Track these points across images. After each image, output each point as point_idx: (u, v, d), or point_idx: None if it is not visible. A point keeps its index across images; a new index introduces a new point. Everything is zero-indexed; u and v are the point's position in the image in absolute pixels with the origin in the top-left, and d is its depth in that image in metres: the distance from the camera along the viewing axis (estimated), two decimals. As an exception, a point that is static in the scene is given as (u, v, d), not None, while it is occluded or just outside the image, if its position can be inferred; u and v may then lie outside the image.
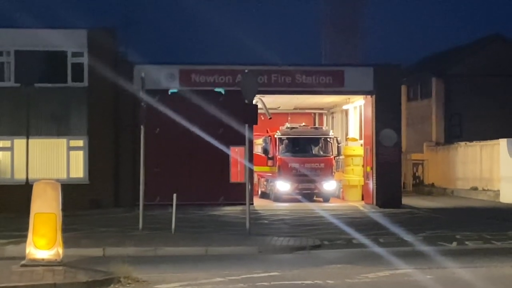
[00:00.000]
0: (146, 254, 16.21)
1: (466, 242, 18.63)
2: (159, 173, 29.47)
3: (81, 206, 27.40)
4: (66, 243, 13.46)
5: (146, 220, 20.49)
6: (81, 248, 16.40)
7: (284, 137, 34.10)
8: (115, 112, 30.23)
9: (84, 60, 29.93)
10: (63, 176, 29.11)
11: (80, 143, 30.02)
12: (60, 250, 12.56)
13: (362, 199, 33.57)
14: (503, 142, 35.43)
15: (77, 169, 29.94)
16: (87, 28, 30.53)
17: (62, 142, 30.01)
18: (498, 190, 35.42)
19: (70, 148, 30.00)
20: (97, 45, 29.64)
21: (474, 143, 39.13)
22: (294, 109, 41.11)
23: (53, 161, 29.92)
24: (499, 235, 20.00)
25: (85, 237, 19.03)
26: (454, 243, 18.44)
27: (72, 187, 26.41)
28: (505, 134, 36.76)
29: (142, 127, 20.79)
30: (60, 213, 12.50)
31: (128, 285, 11.82)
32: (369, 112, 32.50)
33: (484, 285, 11.99)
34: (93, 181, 29.60)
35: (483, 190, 37.22)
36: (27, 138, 28.57)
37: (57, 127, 29.93)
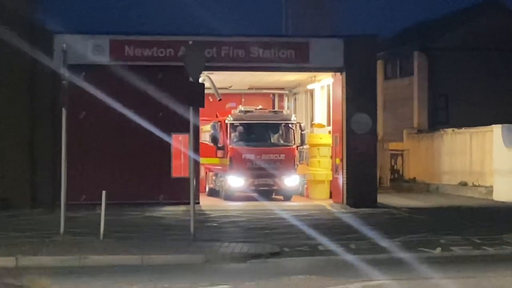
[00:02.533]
0: (68, 264, 16.13)
1: (452, 248, 18.86)
2: (85, 166, 29.31)
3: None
4: (-30, 251, 13.34)
5: (69, 223, 20.41)
6: (-13, 257, 16.26)
7: (236, 122, 34.12)
8: (30, 91, 29.96)
9: (-8, 27, 29.64)
10: (-34, 170, 28.89)
11: (-13, 130, 29.78)
12: (-38, 260, 12.44)
13: (330, 197, 33.78)
14: (497, 128, 35.87)
15: (-17, 161, 29.69)
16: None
17: (-37, 128, 29.76)
18: (491, 186, 35.92)
19: (-26, 136, 29.74)
20: (8, 9, 29.33)
21: (463, 130, 39.60)
22: (249, 89, 41.17)
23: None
24: (492, 239, 20.29)
25: (-6, 244, 18.86)
26: (438, 249, 18.66)
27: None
28: (499, 119, 37.21)
29: (63, 110, 20.65)
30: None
31: (45, 302, 11.77)
32: (339, 92, 32.68)
33: (473, 298, 12.18)
34: (3, 176, 29.33)
35: (474, 186, 37.70)
36: None
37: (-43, 109, 29.67)
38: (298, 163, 34.67)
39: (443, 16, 53.16)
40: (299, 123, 35.18)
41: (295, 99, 42.33)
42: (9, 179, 29.24)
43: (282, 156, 33.74)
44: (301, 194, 35.07)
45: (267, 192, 33.68)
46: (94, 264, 16.23)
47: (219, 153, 34.11)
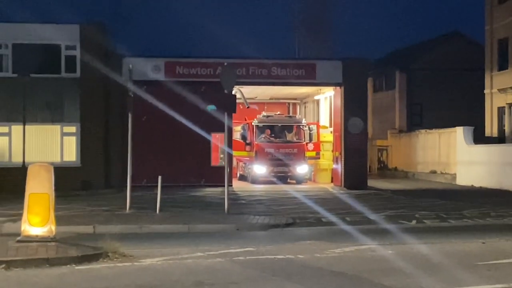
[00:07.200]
0: (132, 231, 16.14)
1: (425, 221, 18.77)
2: (146, 157, 29.41)
3: (74, 187, 27.28)
4: (59, 221, 13.42)
5: (133, 200, 20.42)
6: (72, 225, 16.31)
7: (261, 124, 34.12)
8: (105, 101, 30.09)
9: (77, 53, 29.72)
10: (57, 159, 28.94)
11: (73, 129, 29.86)
12: (53, 227, 12.52)
13: (332, 181, 33.72)
14: (459, 130, 35.72)
15: (70, 153, 29.79)
16: (80, 23, 30.32)
17: (56, 128, 29.84)
18: (455, 174, 35.74)
19: (63, 134, 29.83)
20: (89, 39, 29.46)
21: (433, 130, 39.42)
22: (270, 99, 41.17)
23: (48, 145, 29.74)
24: (454, 214, 20.20)
25: (77, 215, 18.94)
26: (414, 221, 18.57)
27: (65, 170, 26.26)
28: (461, 122, 37.08)
29: (129, 115, 20.68)
30: (53, 193, 12.44)
31: (115, 260, 11.79)
32: (338, 102, 32.58)
33: (440, 258, 12.09)
34: (85, 164, 29.47)
35: (441, 173, 37.52)
36: (24, 125, 28.33)
37: (51, 114, 29.76)
38: (319, 156, 34.56)
39: (419, 44, 52.93)
40: (308, 125, 35.12)
41: (305, 107, 42.28)
42: (89, 166, 29.38)
43: (295, 150, 33.70)
44: (310, 179, 35.00)
45: (284, 178, 33.62)
46: (152, 231, 16.22)
47: (247, 147, 34.13)
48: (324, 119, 37.43)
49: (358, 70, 31.84)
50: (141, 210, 20.00)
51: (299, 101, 42.64)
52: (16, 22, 30.31)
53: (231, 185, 28.91)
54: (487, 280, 10.10)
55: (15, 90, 29.00)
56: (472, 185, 33.16)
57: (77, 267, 11.16)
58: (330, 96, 35.21)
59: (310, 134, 34.29)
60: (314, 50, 58.39)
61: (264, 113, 35.36)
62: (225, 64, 21.54)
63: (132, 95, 20.86)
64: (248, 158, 34.57)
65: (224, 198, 19.77)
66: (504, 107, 39.49)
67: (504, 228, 17.10)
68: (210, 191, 28.50)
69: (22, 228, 12.53)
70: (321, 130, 35.74)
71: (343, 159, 31.80)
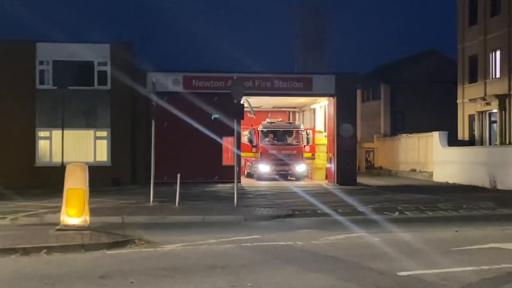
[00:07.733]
0: (155, 221, 16.17)
1: (406, 212, 18.74)
2: (166, 157, 29.44)
3: (105, 183, 27.36)
4: (92, 212, 13.43)
5: (156, 194, 20.43)
6: (104, 216, 16.36)
7: (265, 129, 34.11)
8: (132, 109, 30.17)
9: (108, 68, 29.85)
10: (91, 159, 29.05)
11: (104, 133, 29.96)
12: (87, 218, 12.55)
13: (326, 178, 33.65)
14: (435, 134, 35.68)
15: (102, 154, 29.87)
16: (110, 43, 30.42)
17: (90, 133, 29.93)
18: (432, 172, 35.68)
19: (96, 138, 29.93)
20: (118, 56, 29.57)
21: (413, 135, 39.37)
22: (273, 107, 41.14)
23: (83, 147, 29.83)
24: (431, 206, 20.15)
25: (108, 207, 18.97)
26: (397, 213, 18.53)
27: (97, 169, 26.29)
28: (437, 128, 37.02)
29: (153, 121, 20.73)
30: (87, 188, 12.47)
31: (141, 246, 11.81)
32: (332, 110, 32.56)
33: (420, 245, 12.07)
34: (114, 164, 29.53)
35: (420, 171, 37.46)
36: (63, 130, 28.43)
37: (86, 121, 29.86)
38: (315, 157, 34.54)
39: (401, 60, 52.90)
40: (306, 130, 35.09)
41: (303, 114, 42.23)
42: (118, 165, 29.46)
43: (294, 151, 33.67)
44: (307, 176, 34.96)
45: (285, 175, 33.57)
46: (172, 222, 16.22)
47: (254, 149, 34.12)
48: (320, 125, 37.38)
49: (348, 83, 31.83)
50: (163, 203, 20.01)
51: (298, 110, 42.61)
52: (56, 42, 30.40)
53: (240, 182, 28.93)
54: (460, 264, 10.08)
55: (55, 100, 29.15)
56: (447, 182, 33.09)
57: (108, 252, 11.18)
58: (325, 105, 35.18)
59: (307, 138, 34.29)
60: (310, 65, 58.43)
61: (268, 120, 35.35)
62: (235, 77, 21.57)
63: (155, 105, 20.90)
64: (254, 159, 34.55)
65: (233, 193, 19.76)
66: (474, 114, 39.44)
67: (474, 219, 17.06)
68: (221, 187, 28.49)
69: (61, 219, 12.56)
70: (316, 134, 35.72)
71: (335, 159, 31.77)
